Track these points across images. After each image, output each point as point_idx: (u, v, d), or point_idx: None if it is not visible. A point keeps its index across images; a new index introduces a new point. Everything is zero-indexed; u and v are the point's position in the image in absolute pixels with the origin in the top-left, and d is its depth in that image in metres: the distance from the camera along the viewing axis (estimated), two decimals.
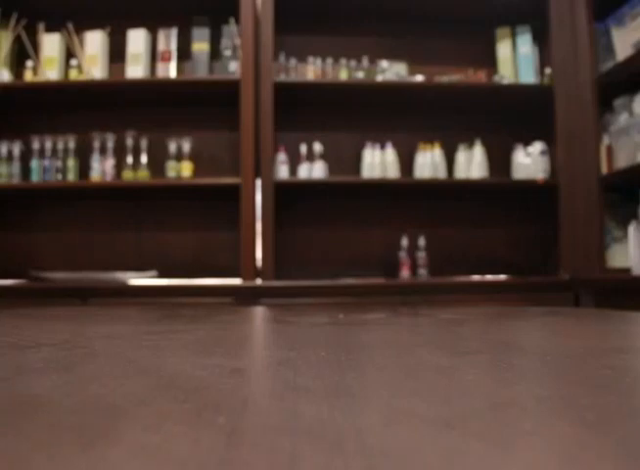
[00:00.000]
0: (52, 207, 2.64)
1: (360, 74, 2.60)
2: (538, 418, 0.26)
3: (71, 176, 2.50)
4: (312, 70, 2.59)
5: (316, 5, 2.64)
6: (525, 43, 2.66)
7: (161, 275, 2.52)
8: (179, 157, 2.54)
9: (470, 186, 2.60)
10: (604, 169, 2.42)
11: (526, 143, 2.67)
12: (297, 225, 2.67)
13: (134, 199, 2.64)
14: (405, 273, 2.60)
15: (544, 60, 2.66)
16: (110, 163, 2.51)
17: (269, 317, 1.06)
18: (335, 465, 0.20)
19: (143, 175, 2.52)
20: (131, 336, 0.68)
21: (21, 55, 2.56)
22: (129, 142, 2.55)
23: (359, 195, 2.69)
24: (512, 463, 0.20)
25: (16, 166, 2.51)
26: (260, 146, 2.42)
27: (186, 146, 2.55)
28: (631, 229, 2.27)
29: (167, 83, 2.53)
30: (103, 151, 2.54)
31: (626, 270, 2.30)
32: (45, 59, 2.52)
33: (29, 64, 2.50)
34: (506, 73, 2.65)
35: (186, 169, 2.52)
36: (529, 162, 2.63)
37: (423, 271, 2.61)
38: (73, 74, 2.50)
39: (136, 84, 2.49)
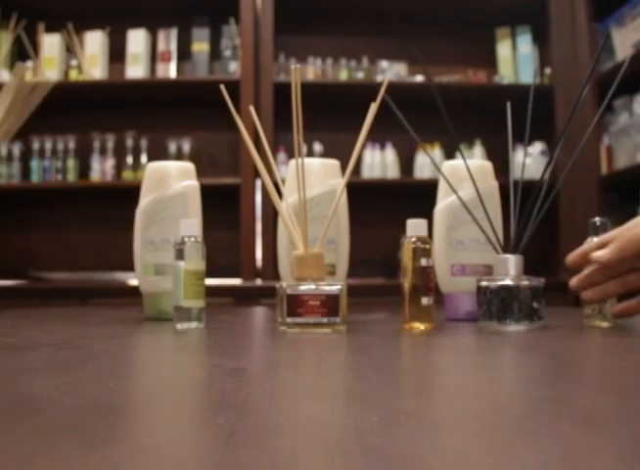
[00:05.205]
0: (52, 207, 2.63)
1: (360, 74, 2.60)
2: (538, 418, 0.26)
3: (71, 176, 2.50)
4: (312, 71, 2.59)
5: (316, 5, 2.63)
6: (525, 43, 2.66)
7: None
8: (179, 157, 2.54)
9: None
10: (604, 170, 2.42)
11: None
12: None
13: (134, 199, 2.64)
14: None
15: (544, 60, 2.66)
16: (110, 163, 2.51)
17: (269, 318, 1.06)
18: (335, 465, 0.20)
19: (143, 175, 2.51)
20: (131, 336, 0.68)
21: (21, 55, 2.56)
22: (129, 142, 2.54)
23: (359, 195, 2.69)
24: (512, 463, 0.20)
25: (16, 167, 2.51)
26: (260, 146, 2.42)
27: (186, 146, 2.54)
28: None
29: (167, 83, 2.52)
30: (103, 151, 2.54)
31: None
32: (45, 59, 2.52)
33: (29, 64, 2.50)
34: (506, 73, 2.65)
35: None
36: (529, 162, 2.63)
37: None
38: (73, 74, 2.50)
39: (136, 84, 2.49)
